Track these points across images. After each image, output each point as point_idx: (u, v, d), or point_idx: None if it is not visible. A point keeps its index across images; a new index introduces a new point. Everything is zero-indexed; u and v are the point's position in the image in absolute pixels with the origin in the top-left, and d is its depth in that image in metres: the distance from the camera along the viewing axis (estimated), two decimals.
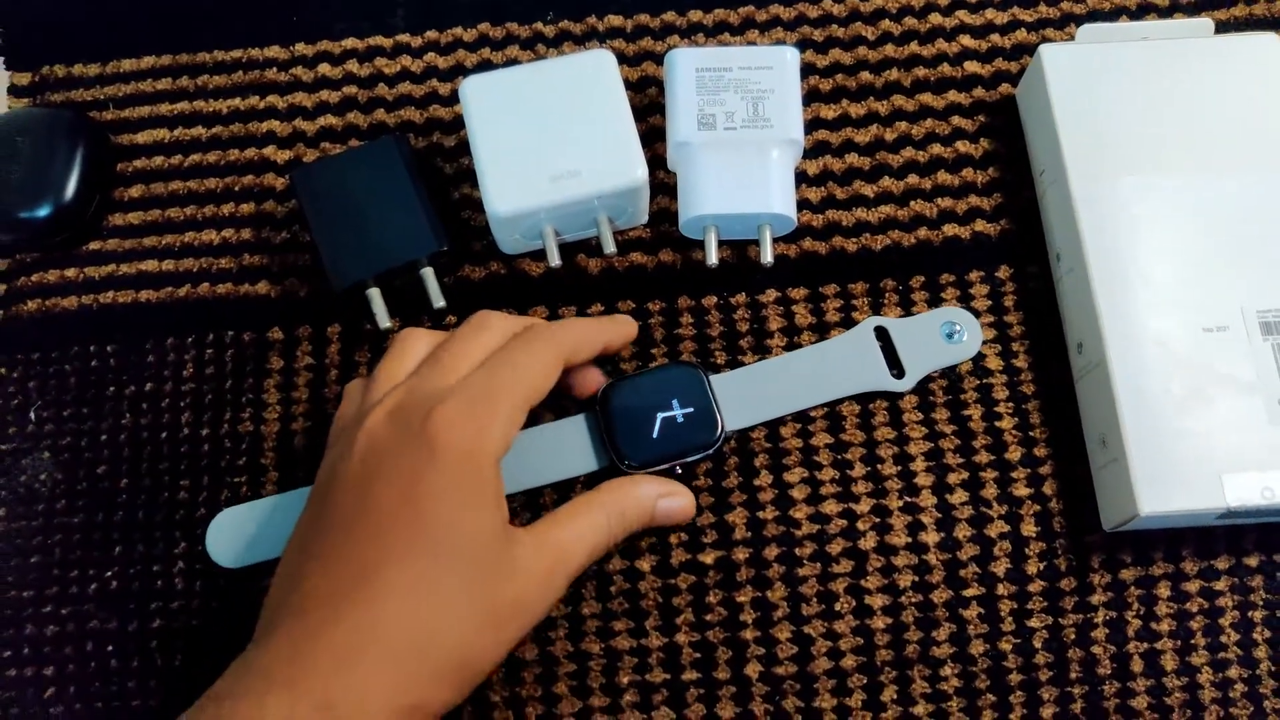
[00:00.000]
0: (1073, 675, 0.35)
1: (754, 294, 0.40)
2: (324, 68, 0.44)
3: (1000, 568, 0.36)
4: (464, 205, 0.41)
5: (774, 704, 0.35)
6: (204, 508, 0.38)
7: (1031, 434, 0.38)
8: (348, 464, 0.32)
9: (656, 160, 0.41)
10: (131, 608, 0.37)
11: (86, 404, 0.39)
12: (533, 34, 0.44)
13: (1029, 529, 0.37)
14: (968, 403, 0.38)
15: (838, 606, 0.36)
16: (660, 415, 0.36)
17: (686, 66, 0.39)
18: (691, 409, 0.36)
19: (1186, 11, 0.44)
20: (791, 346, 0.39)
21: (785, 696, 0.35)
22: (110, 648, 0.36)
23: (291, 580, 0.31)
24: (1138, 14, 0.44)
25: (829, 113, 0.42)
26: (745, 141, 0.38)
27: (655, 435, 0.36)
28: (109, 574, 0.37)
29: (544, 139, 0.38)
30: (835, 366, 0.38)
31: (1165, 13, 0.44)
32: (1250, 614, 0.36)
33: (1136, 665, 0.35)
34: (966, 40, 0.43)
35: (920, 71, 0.43)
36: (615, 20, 0.44)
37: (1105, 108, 0.38)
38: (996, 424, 0.38)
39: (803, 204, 0.41)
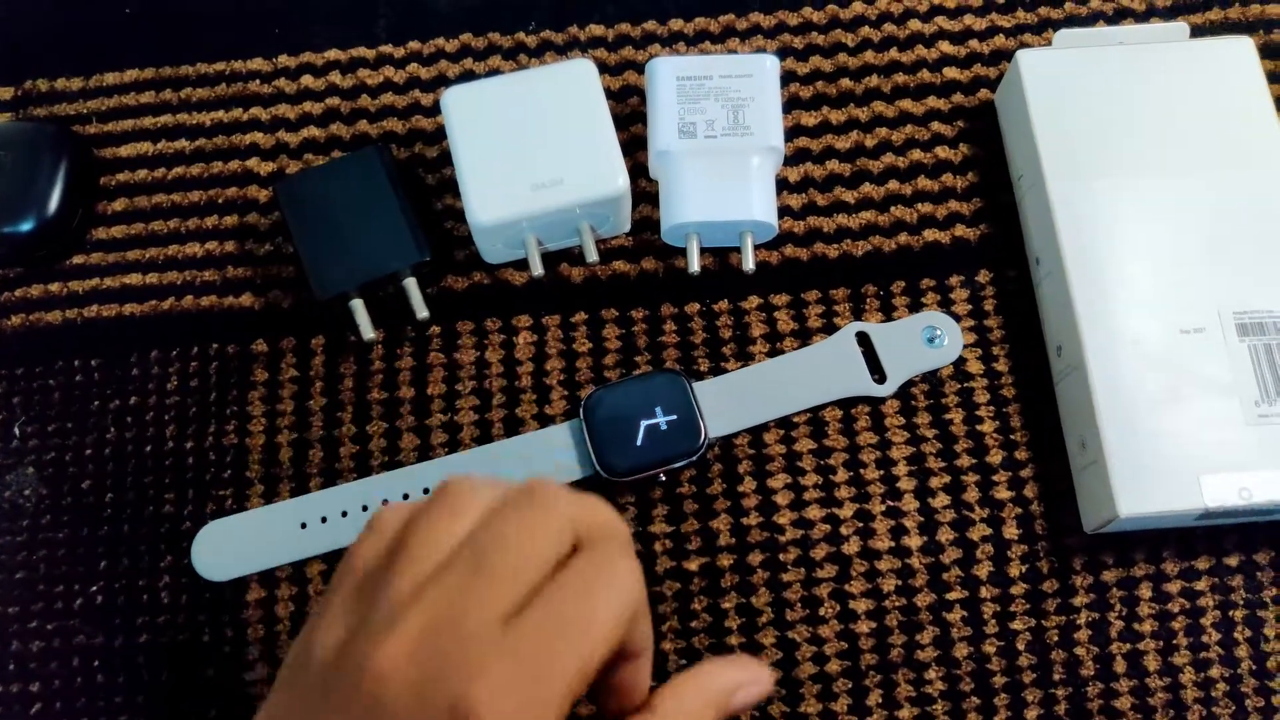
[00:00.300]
0: (1056, 676, 0.35)
1: (736, 301, 0.40)
2: (306, 79, 0.44)
3: (983, 570, 0.36)
4: (447, 215, 0.42)
5: (760, 709, 0.35)
6: (189, 521, 0.38)
7: (1012, 437, 0.38)
8: (346, 711, 0.23)
9: (638, 169, 0.41)
10: (118, 623, 0.37)
11: (71, 418, 0.39)
12: (515, 44, 0.44)
13: (1011, 532, 0.37)
14: (949, 407, 0.38)
15: (822, 611, 0.36)
16: (644, 423, 0.37)
17: (667, 75, 0.40)
18: (675, 416, 0.37)
19: (1162, 16, 0.44)
20: (774, 353, 0.39)
21: (771, 701, 0.35)
22: (97, 663, 0.36)
23: None
24: (1114, 19, 0.44)
25: (810, 119, 0.43)
26: (726, 149, 0.39)
27: (639, 443, 0.36)
28: (94, 589, 0.37)
29: (525, 148, 0.38)
30: (817, 372, 0.38)
31: (1141, 17, 0.44)
32: (1231, 613, 0.36)
33: (1119, 666, 0.35)
34: (945, 46, 0.44)
35: (900, 78, 0.43)
36: (597, 29, 0.44)
37: (1083, 112, 0.39)
38: (977, 427, 0.38)
39: (784, 210, 0.41)
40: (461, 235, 0.41)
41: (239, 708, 0.36)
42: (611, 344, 0.40)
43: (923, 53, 0.44)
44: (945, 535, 0.37)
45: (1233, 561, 0.36)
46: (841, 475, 0.38)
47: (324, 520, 0.37)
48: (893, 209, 0.41)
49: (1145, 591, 0.36)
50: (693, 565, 0.37)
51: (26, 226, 0.40)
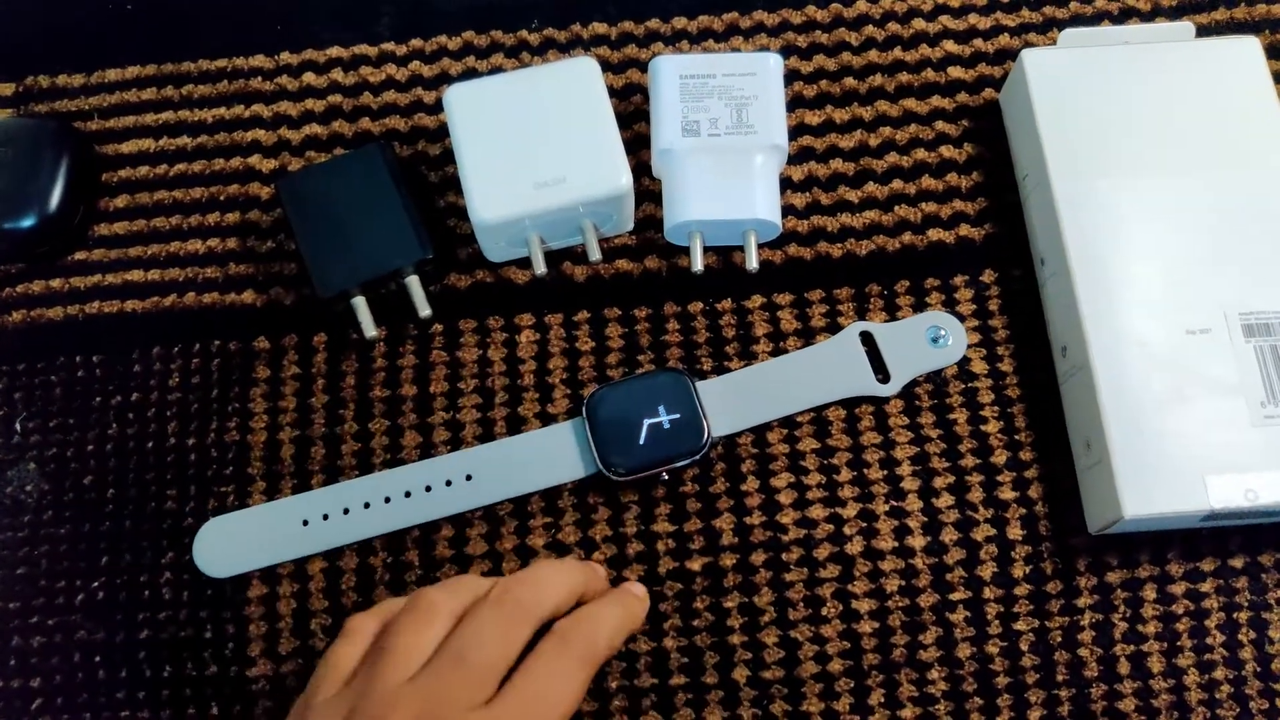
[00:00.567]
0: (1059, 677, 0.35)
1: (740, 300, 0.40)
2: (309, 76, 0.44)
3: (986, 571, 0.36)
4: (449, 213, 0.41)
5: (762, 708, 0.35)
6: (191, 518, 0.38)
7: (1017, 437, 0.38)
8: None
9: (641, 167, 0.41)
10: (119, 618, 0.37)
11: (72, 415, 0.39)
12: (517, 42, 0.44)
13: (1015, 532, 0.37)
14: (953, 407, 0.38)
15: (825, 611, 0.36)
16: (647, 421, 0.36)
17: (670, 73, 0.40)
18: (678, 415, 0.37)
19: (1168, 15, 0.44)
20: (777, 352, 0.39)
21: (773, 701, 0.35)
22: (98, 659, 0.36)
23: None
24: (1119, 18, 0.44)
25: (813, 118, 0.43)
26: (729, 148, 0.39)
27: (642, 442, 0.36)
28: (96, 585, 0.37)
29: (528, 147, 0.38)
30: (821, 372, 0.38)
31: (1147, 17, 0.44)
32: (1236, 615, 0.36)
33: (1123, 667, 0.35)
34: (950, 45, 0.44)
35: (904, 77, 0.43)
36: (600, 28, 0.44)
37: (1088, 112, 0.39)
38: (982, 428, 0.38)
39: (788, 209, 0.41)
40: (464, 233, 0.41)
41: (240, 704, 0.36)
42: (614, 343, 0.40)
43: (927, 52, 0.43)
44: (949, 535, 0.37)
45: (1238, 563, 0.36)
46: (845, 475, 0.37)
47: (326, 517, 0.37)
48: (897, 208, 0.41)
49: (1150, 593, 0.36)
50: (695, 565, 0.37)
51: (28, 222, 0.40)
